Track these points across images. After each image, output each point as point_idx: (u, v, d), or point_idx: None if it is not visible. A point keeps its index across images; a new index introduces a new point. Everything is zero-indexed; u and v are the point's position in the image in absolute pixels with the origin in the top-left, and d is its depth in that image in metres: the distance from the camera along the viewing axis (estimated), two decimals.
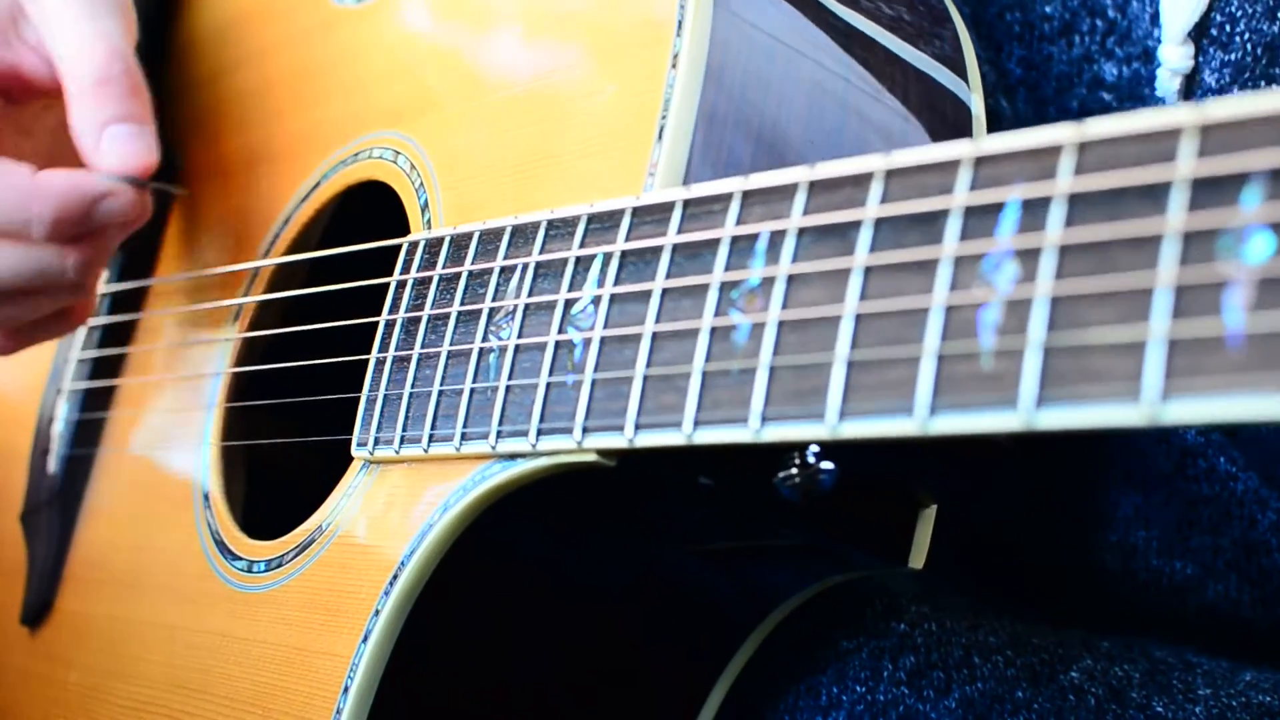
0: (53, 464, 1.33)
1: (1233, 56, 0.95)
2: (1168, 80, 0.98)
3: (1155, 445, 1.04)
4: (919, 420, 0.64)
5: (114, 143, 1.04)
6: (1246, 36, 0.94)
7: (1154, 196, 0.58)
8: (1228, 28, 0.95)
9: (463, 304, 0.91)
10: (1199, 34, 0.97)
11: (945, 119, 0.94)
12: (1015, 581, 1.14)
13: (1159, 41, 0.99)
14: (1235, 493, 1.03)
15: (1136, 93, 1.01)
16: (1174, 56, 0.97)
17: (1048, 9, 1.05)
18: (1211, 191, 0.56)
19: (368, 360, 0.98)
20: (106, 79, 1.04)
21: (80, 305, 1.14)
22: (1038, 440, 0.98)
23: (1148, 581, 1.10)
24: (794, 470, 0.81)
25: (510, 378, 0.85)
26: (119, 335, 1.30)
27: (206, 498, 1.13)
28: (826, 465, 0.80)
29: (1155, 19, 0.99)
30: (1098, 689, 0.99)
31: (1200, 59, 0.97)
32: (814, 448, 0.81)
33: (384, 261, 1.01)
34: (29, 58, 1.09)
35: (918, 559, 0.91)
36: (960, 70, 0.96)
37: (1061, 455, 1.08)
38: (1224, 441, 1.03)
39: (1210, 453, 1.03)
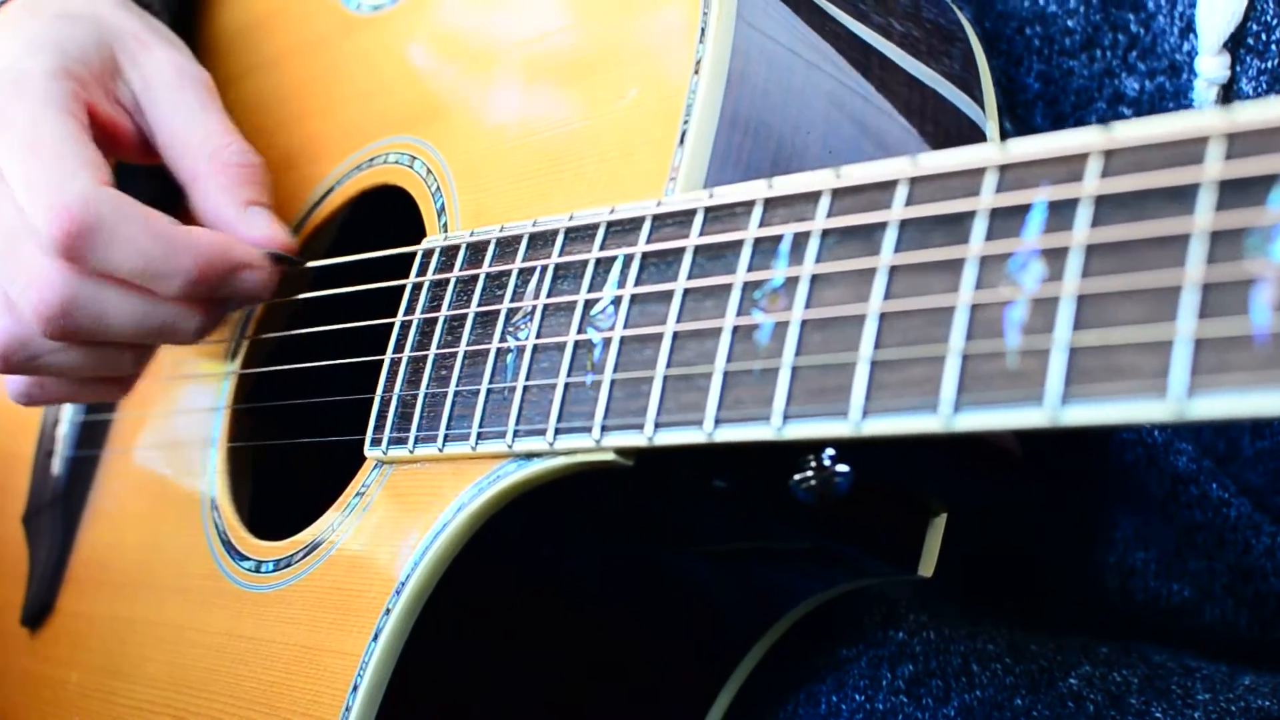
0: (56, 466, 1.33)
1: (1269, 64, 0.96)
2: (1205, 91, 0.99)
3: (1147, 471, 1.05)
4: (943, 418, 0.65)
5: (259, 219, 1.05)
6: None
7: (1181, 198, 0.59)
8: (1264, 36, 0.96)
9: (480, 305, 0.92)
10: (1235, 44, 0.98)
11: (960, 141, 0.95)
12: (1015, 596, 1.14)
13: (1188, 55, 1.00)
14: (1229, 519, 1.04)
15: (1159, 107, 1.02)
16: (1211, 67, 0.98)
17: (1069, 23, 1.05)
18: (1239, 192, 0.57)
19: (380, 362, 0.99)
20: (248, 164, 1.07)
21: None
22: (1042, 451, 0.99)
23: (1146, 603, 1.10)
24: (810, 473, 0.81)
25: (528, 378, 0.86)
26: None
27: (214, 499, 1.13)
28: (842, 469, 0.81)
29: (1185, 32, 1.00)
30: (1097, 695, 1.00)
31: (1237, 69, 0.98)
32: (830, 451, 0.81)
33: (397, 269, 1.01)
34: (123, 117, 1.10)
35: (927, 567, 0.92)
36: (975, 94, 0.97)
37: (1061, 474, 1.09)
38: (1215, 468, 1.04)
39: (1202, 479, 1.03)
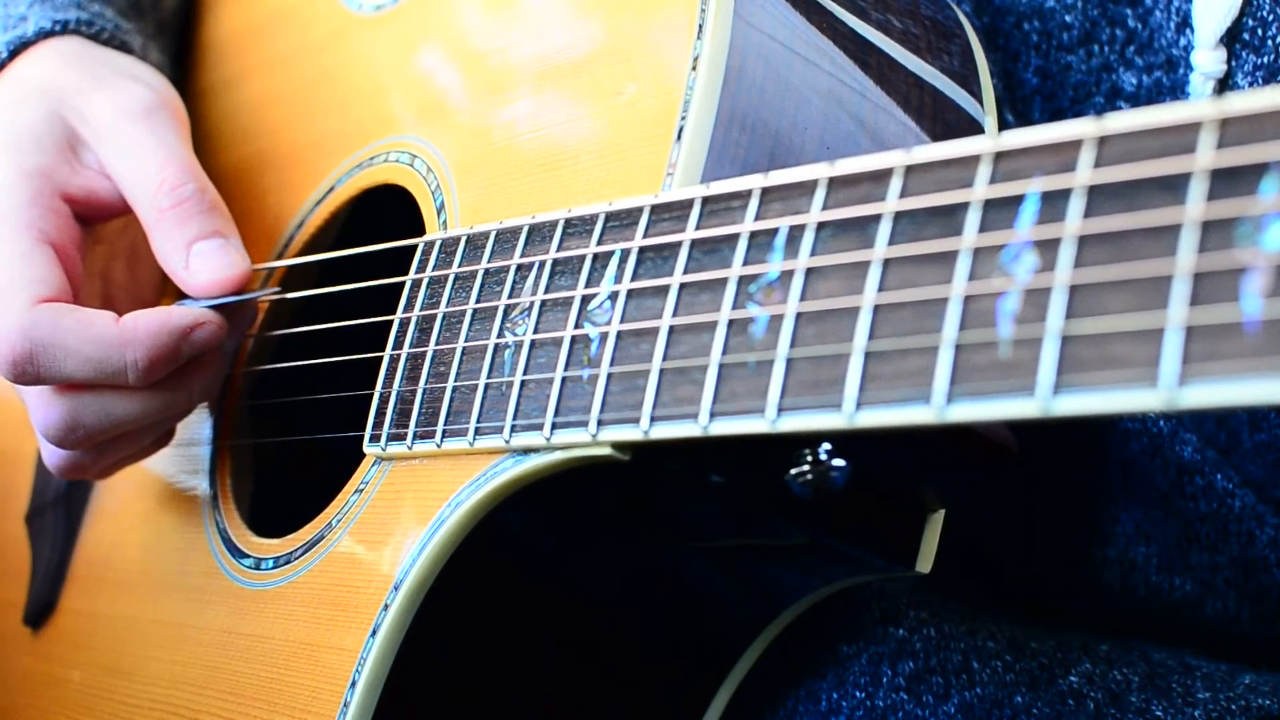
0: None
1: (1265, 59, 0.96)
2: (1201, 85, 0.99)
3: (1152, 462, 1.05)
4: (936, 408, 0.65)
5: (202, 260, 1.03)
6: (1279, 40, 0.95)
7: (1173, 187, 0.59)
8: (1260, 31, 0.96)
9: (478, 301, 0.92)
10: (1231, 39, 0.98)
11: (956, 134, 0.95)
12: (1015, 592, 1.14)
13: (1185, 49, 1.00)
14: (1233, 510, 1.04)
15: (1156, 102, 1.02)
16: (1207, 61, 0.98)
17: (1067, 18, 1.06)
18: (1230, 181, 0.57)
19: (379, 359, 0.99)
20: (181, 201, 1.04)
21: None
22: (1043, 445, 0.99)
23: (1147, 598, 1.10)
24: (806, 467, 0.81)
25: (526, 372, 0.86)
26: None
27: (215, 496, 1.14)
28: (839, 463, 0.81)
29: (1181, 27, 1.00)
30: (1097, 693, 1.00)
31: (1233, 63, 0.98)
32: (826, 445, 0.81)
33: (398, 265, 1.02)
34: (98, 181, 1.08)
35: (925, 564, 0.92)
36: (974, 90, 0.97)
37: (1062, 468, 1.09)
38: (1220, 459, 1.04)
39: (1207, 470, 1.03)
